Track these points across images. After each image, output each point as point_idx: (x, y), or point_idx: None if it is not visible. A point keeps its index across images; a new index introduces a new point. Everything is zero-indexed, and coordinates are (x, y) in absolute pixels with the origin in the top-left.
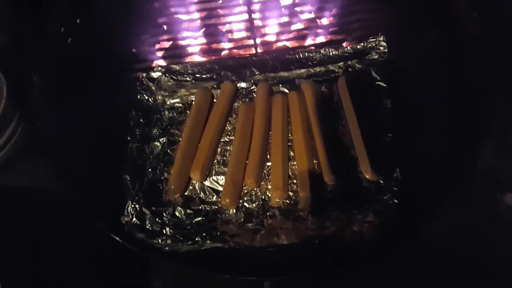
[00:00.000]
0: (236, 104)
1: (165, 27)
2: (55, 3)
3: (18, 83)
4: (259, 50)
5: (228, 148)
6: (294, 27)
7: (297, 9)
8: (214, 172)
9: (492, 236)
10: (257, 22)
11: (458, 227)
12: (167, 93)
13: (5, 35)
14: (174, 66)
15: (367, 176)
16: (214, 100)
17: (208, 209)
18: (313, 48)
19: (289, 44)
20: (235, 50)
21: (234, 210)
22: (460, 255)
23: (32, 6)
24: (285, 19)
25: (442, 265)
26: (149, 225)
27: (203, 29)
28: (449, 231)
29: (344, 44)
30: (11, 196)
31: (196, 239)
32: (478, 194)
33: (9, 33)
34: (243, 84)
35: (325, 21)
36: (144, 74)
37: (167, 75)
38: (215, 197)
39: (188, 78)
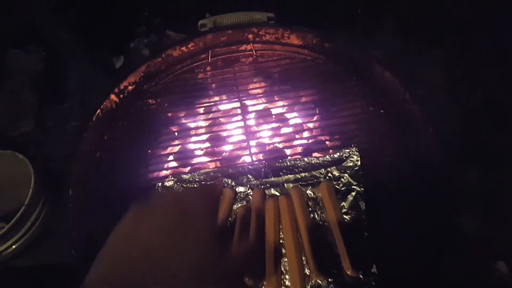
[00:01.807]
0: (235, 206)
1: (176, 134)
2: (89, 125)
3: (42, 170)
4: (253, 157)
5: None
6: (283, 131)
7: (287, 116)
8: None
9: None
10: (252, 128)
11: None
12: None
13: (30, 121)
14: (184, 176)
15: (348, 272)
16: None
17: None
18: (300, 156)
19: (280, 145)
20: (234, 152)
21: None
22: None
23: (55, 97)
24: (275, 125)
25: None
26: None
27: (208, 136)
28: None
29: (324, 154)
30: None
31: None
32: (470, 262)
33: (33, 120)
34: (241, 188)
35: (309, 126)
36: (159, 184)
37: (178, 183)
38: None
39: (195, 185)
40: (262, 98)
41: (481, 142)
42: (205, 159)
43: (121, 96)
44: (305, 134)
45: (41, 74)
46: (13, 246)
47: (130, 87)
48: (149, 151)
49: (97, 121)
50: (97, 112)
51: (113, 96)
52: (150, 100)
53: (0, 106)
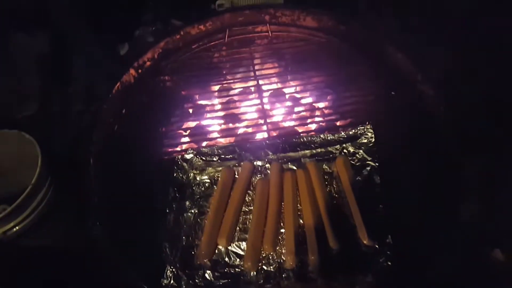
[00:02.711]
0: (253, 179)
1: (191, 113)
2: (109, 97)
3: (48, 150)
4: (270, 133)
5: (248, 217)
6: (296, 114)
7: (300, 99)
8: (237, 238)
9: None
10: (267, 110)
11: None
12: (198, 171)
13: (34, 103)
14: (203, 149)
15: (364, 242)
16: (236, 176)
17: (232, 271)
18: (314, 133)
19: (294, 127)
20: (250, 133)
21: (255, 273)
22: None
23: (58, 79)
24: (289, 107)
25: None
26: (184, 286)
27: (223, 115)
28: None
29: (340, 130)
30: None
31: None
32: (467, 250)
33: (37, 102)
34: (259, 163)
35: (322, 109)
36: (179, 156)
37: (197, 156)
38: (238, 260)
39: (214, 159)
40: (277, 79)
41: (480, 133)
42: (221, 137)
43: (140, 71)
44: (318, 113)
45: (46, 58)
46: (16, 227)
47: (148, 63)
48: (165, 128)
49: (117, 94)
50: (117, 84)
51: (132, 71)
52: (167, 77)
53: (5, 88)
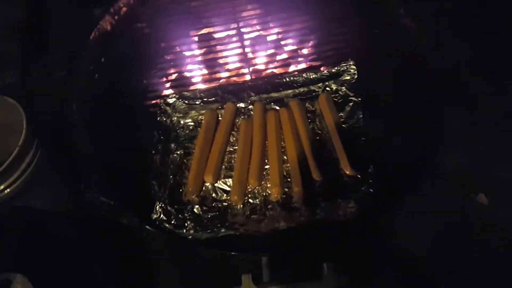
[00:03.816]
0: (237, 120)
1: (172, 62)
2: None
3: (34, 113)
4: (253, 77)
5: (233, 156)
6: (279, 57)
7: (282, 42)
8: (223, 176)
9: (467, 237)
10: (249, 55)
11: (432, 225)
12: (181, 115)
13: (14, 72)
14: (185, 92)
15: (347, 172)
16: (219, 118)
17: (220, 205)
18: (296, 73)
19: (276, 71)
20: (233, 78)
21: (241, 205)
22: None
23: (37, 48)
24: (271, 51)
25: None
26: (174, 219)
27: (204, 62)
28: (423, 233)
29: (322, 69)
30: (31, 216)
31: (213, 229)
32: (451, 195)
33: (18, 70)
34: (242, 104)
35: (304, 51)
36: (162, 100)
37: (180, 100)
38: (225, 195)
39: (197, 102)
40: (258, 23)
41: (463, 85)
42: (203, 85)
43: (116, 17)
44: (301, 59)
45: (22, 25)
46: (6, 190)
47: (124, 9)
48: (146, 76)
49: (94, 41)
50: (94, 31)
51: (108, 17)
52: (144, 24)
53: None
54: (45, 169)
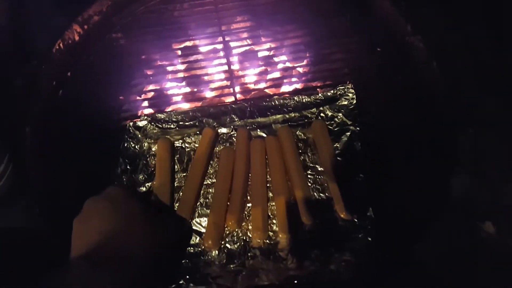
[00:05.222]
0: (217, 148)
1: (151, 77)
2: (48, 57)
3: (6, 126)
4: (238, 97)
5: (210, 190)
6: (270, 76)
7: (275, 59)
8: (197, 214)
9: (474, 265)
10: (236, 72)
11: (440, 256)
12: (152, 141)
13: None
14: (159, 115)
15: (342, 216)
16: (193, 145)
17: (191, 251)
18: (287, 95)
19: (265, 91)
20: (216, 98)
21: (217, 252)
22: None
23: (21, 56)
24: (261, 68)
25: None
26: None
27: (185, 78)
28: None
29: (317, 91)
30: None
31: (180, 282)
32: (456, 224)
33: None
34: (223, 130)
35: (298, 70)
36: (131, 123)
37: (152, 123)
38: (198, 239)
39: (172, 126)
40: (247, 38)
41: (471, 105)
42: (185, 104)
43: (86, 27)
44: (294, 79)
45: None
46: None
47: (96, 17)
48: (121, 93)
49: (58, 53)
50: (58, 42)
51: (76, 26)
52: (120, 34)
53: None
54: (16, 186)
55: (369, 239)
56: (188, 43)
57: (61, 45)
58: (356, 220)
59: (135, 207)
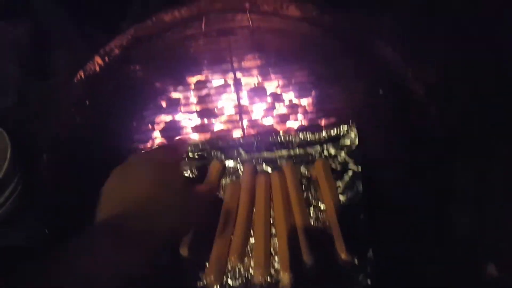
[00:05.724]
0: (223, 181)
1: (164, 108)
2: (69, 85)
3: (21, 145)
4: (246, 132)
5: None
6: (276, 111)
7: (282, 96)
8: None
9: None
10: (245, 107)
11: None
12: None
13: (13, 96)
14: None
15: (342, 256)
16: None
17: (193, 286)
18: (293, 132)
19: (272, 127)
20: (224, 132)
21: (218, 287)
22: None
23: (40, 72)
24: (269, 104)
25: None
26: None
27: (197, 111)
28: None
29: (321, 129)
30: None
31: None
32: (458, 266)
33: (17, 94)
34: (231, 163)
35: (304, 107)
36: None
37: None
38: (199, 273)
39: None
40: (257, 75)
41: (474, 143)
42: (194, 136)
43: (106, 59)
44: (300, 115)
45: (26, 48)
46: None
47: (116, 50)
48: (135, 122)
49: (79, 83)
50: (79, 73)
51: (97, 58)
52: (137, 66)
53: None
54: (26, 204)
55: (369, 282)
56: (200, 77)
57: (82, 75)
58: (356, 262)
59: (181, 181)
